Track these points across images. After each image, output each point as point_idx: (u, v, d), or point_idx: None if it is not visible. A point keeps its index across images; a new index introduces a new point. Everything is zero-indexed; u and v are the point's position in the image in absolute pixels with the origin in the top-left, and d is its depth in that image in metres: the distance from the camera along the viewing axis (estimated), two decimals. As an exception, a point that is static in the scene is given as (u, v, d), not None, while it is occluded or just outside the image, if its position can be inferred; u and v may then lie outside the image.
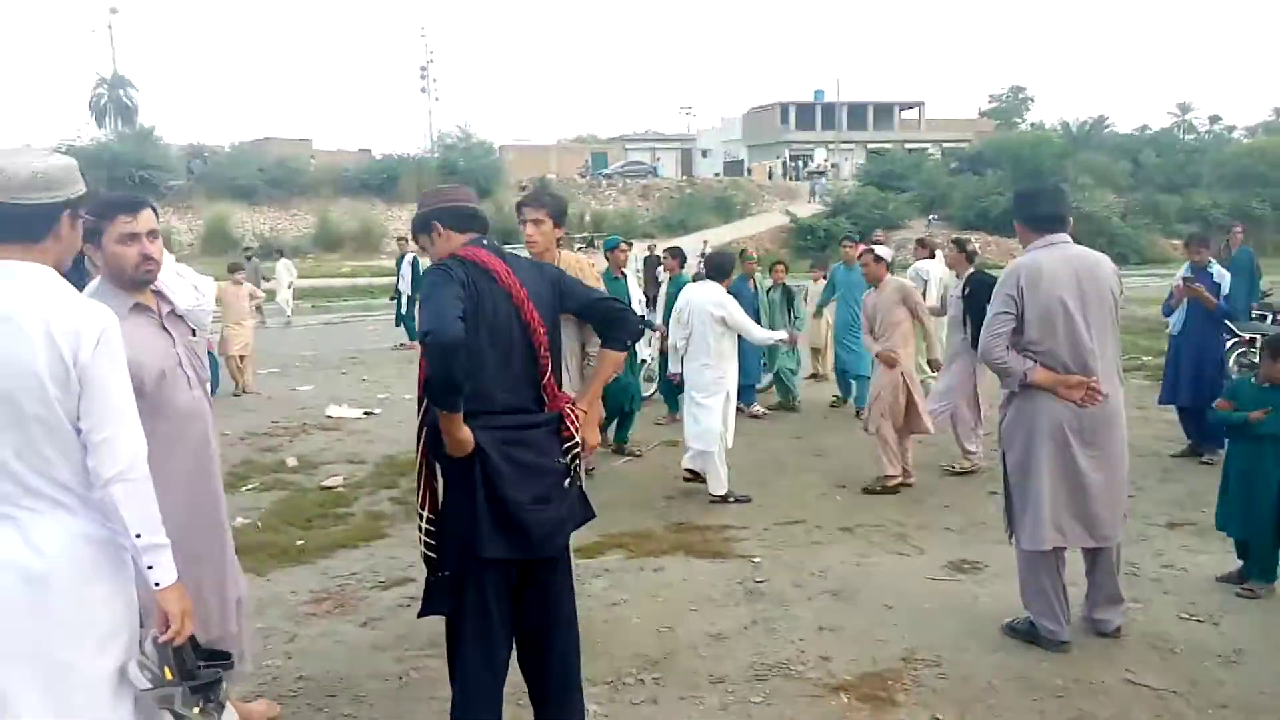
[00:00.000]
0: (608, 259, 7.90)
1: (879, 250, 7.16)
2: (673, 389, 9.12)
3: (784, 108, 61.96)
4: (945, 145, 57.29)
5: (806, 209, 45.22)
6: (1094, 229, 41.55)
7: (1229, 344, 9.50)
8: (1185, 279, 7.44)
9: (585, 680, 3.66)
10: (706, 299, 6.53)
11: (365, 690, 3.66)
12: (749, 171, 55.59)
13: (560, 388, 2.99)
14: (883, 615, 4.33)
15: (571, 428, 2.94)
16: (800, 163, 57.97)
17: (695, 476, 6.70)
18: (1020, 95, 64.04)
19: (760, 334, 6.94)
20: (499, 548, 2.79)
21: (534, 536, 2.84)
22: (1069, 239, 3.82)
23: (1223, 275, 7.60)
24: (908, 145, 56.75)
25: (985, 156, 49.56)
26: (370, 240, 41.41)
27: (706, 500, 6.60)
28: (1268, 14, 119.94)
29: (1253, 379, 4.60)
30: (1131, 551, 5.18)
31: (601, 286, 3.94)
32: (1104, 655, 3.83)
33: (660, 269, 10.11)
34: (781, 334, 7.87)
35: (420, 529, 2.92)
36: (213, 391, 9.76)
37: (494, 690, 2.92)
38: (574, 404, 3.00)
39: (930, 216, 43.52)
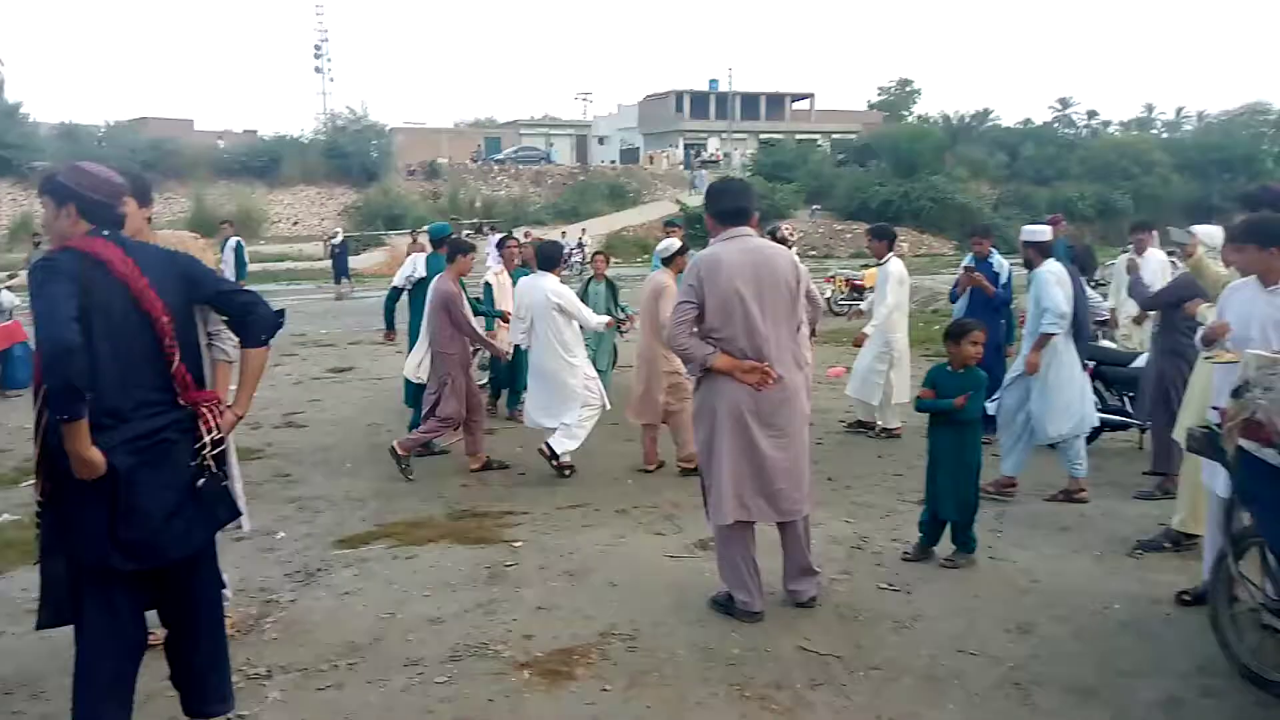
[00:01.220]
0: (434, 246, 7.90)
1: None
2: (501, 379, 9.25)
3: (679, 96, 62.32)
4: (834, 136, 58.53)
5: (697, 198, 45.66)
6: (966, 219, 43.16)
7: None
8: (967, 268, 7.87)
9: (279, 667, 3.75)
10: (543, 289, 6.72)
11: (46, 687, 3.60)
12: (651, 159, 55.82)
13: (201, 380, 3.00)
14: (604, 593, 4.48)
15: (206, 426, 2.92)
16: (693, 151, 58.53)
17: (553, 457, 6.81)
18: (908, 88, 65.76)
19: (593, 319, 7.09)
20: (127, 559, 2.78)
21: (163, 545, 2.84)
22: (751, 232, 4.02)
23: (1001, 265, 8.05)
24: (798, 136, 57.83)
25: (871, 148, 50.87)
26: (250, 225, 40.16)
27: (501, 486, 6.70)
28: (1144, 10, 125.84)
29: (948, 366, 4.89)
30: (869, 526, 5.50)
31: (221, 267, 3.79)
32: (789, 625, 4.05)
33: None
34: (605, 318, 7.99)
35: (37, 521, 2.90)
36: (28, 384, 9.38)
37: (125, 688, 2.91)
38: (217, 403, 3.00)
39: (813, 207, 44.53)
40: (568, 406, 6.81)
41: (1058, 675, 3.57)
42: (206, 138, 46.90)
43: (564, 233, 31.23)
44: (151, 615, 3.05)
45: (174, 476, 2.86)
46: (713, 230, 4.05)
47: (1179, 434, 4.50)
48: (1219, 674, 3.57)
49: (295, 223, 41.85)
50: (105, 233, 2.86)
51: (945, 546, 4.86)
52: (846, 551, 5.03)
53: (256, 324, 3.06)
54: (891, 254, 8.14)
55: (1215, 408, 3.61)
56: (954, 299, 8.21)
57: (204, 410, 2.94)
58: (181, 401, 2.90)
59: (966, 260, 8.09)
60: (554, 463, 6.74)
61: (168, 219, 38.62)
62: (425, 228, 8.37)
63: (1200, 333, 4.17)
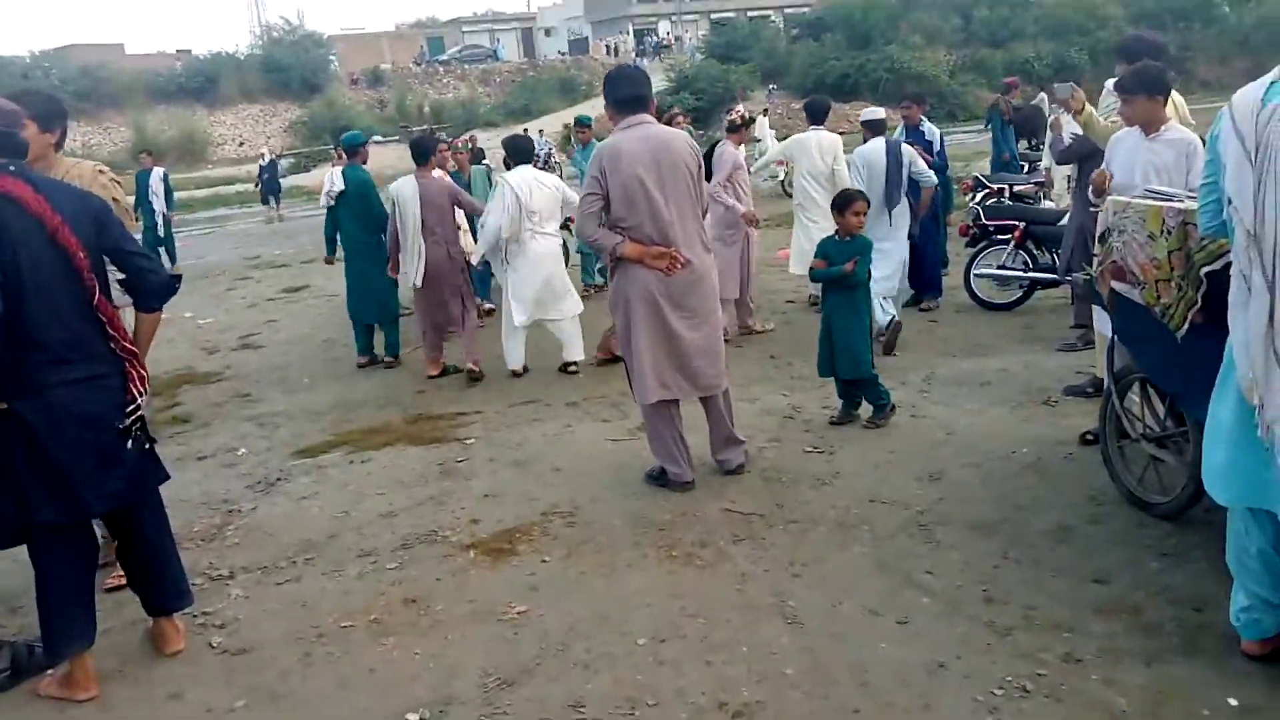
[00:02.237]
0: (354, 155, 7.64)
1: None
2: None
3: (625, -20, 60.40)
4: (787, 11, 57.17)
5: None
6: (925, 89, 42.61)
7: (980, 195, 10.21)
8: (909, 142, 7.91)
9: (241, 568, 3.99)
10: (540, 180, 6.79)
11: (23, 602, 3.81)
12: (604, 49, 54.47)
13: (120, 320, 3.06)
14: (548, 478, 4.74)
15: (135, 389, 3.04)
16: (646, 37, 57.09)
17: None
18: (858, -45, 63.96)
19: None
20: (50, 512, 2.93)
21: (89, 501, 2.98)
22: (650, 119, 4.12)
23: (933, 132, 8.13)
24: (750, 13, 56.45)
25: (825, 21, 49.76)
26: (193, 149, 39.20)
27: (455, 389, 6.89)
28: None
29: (834, 236, 5.09)
30: (803, 398, 5.76)
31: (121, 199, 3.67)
32: (718, 491, 4.33)
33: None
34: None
35: None
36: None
37: (85, 593, 3.09)
38: (138, 359, 3.09)
39: (770, 86, 43.84)
40: (571, 296, 6.91)
41: (960, 515, 3.88)
42: (139, 61, 45.23)
43: (541, 130, 30.04)
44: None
45: (100, 435, 2.97)
46: (612, 119, 4.15)
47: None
48: (1108, 502, 3.88)
49: (241, 143, 40.81)
50: (11, 167, 2.90)
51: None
52: (779, 421, 5.30)
53: (150, 289, 3.13)
54: (818, 128, 8.15)
55: (1092, 254, 3.83)
56: None
57: (132, 370, 3.05)
58: (113, 346, 3.00)
59: (898, 132, 8.15)
60: (572, 369, 6.93)
61: (109, 149, 37.59)
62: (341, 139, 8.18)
63: (1089, 184, 4.36)
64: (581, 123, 10.40)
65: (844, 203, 5.03)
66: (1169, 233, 3.05)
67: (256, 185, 23.18)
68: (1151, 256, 3.12)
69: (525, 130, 22.79)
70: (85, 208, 3.01)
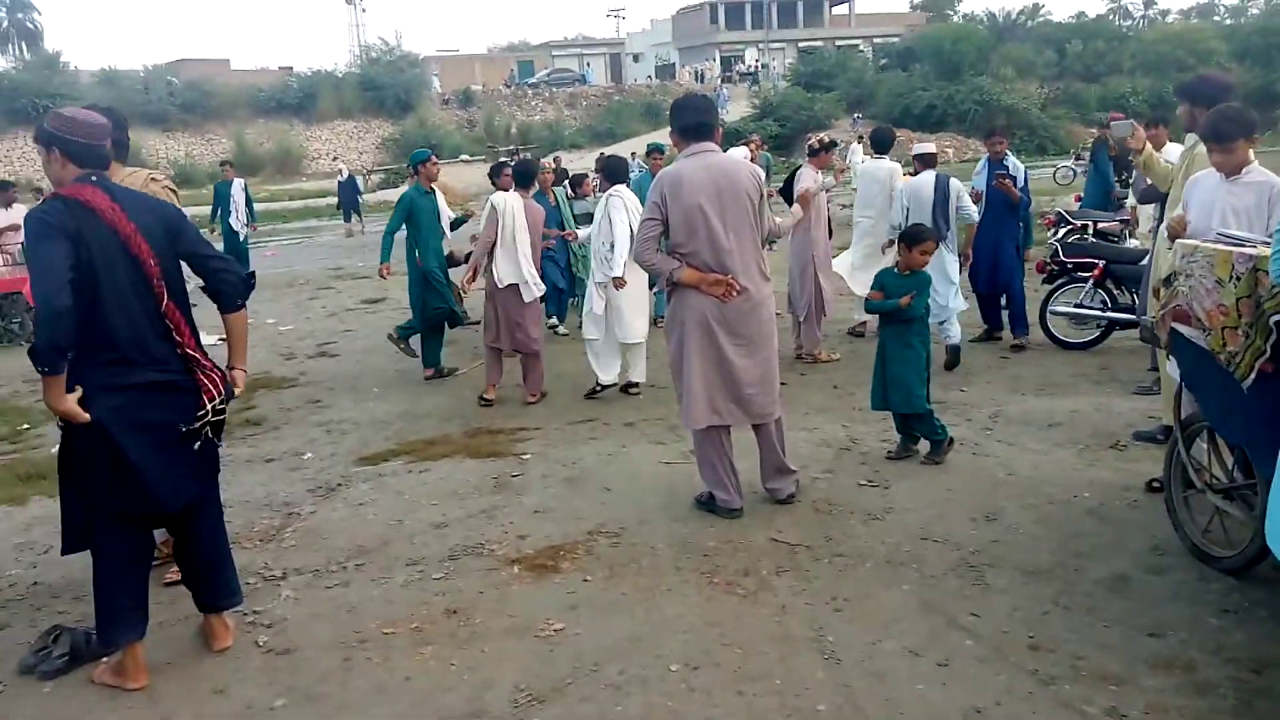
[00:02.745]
0: (419, 172, 7.76)
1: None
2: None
3: (713, 7, 60.89)
4: (876, 41, 56.88)
5: (735, 111, 44.95)
6: (1014, 121, 41.91)
7: (1063, 231, 9.97)
8: (999, 175, 7.69)
9: (294, 570, 4.10)
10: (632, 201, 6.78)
11: (87, 591, 3.97)
12: (687, 74, 54.89)
13: (190, 326, 3.16)
14: (598, 497, 4.76)
15: (208, 394, 3.16)
16: (732, 62, 57.35)
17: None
18: (951, -15, 63.40)
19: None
20: (122, 504, 3.07)
21: (160, 497, 3.11)
22: (714, 148, 4.15)
23: (1018, 168, 7.89)
24: (838, 42, 56.31)
25: (914, 51, 49.35)
26: (289, 162, 40.68)
27: (518, 405, 6.96)
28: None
29: (895, 269, 5.01)
30: (863, 430, 5.68)
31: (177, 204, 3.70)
32: (766, 520, 4.29)
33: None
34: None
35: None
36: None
37: (139, 589, 3.21)
38: (220, 369, 3.23)
39: (855, 115, 43.54)
40: (643, 318, 6.90)
41: (1013, 558, 3.77)
42: (244, 77, 47.22)
43: (633, 153, 30.27)
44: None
45: (169, 437, 3.10)
46: (676, 146, 4.19)
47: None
48: (1170, 553, 3.73)
49: (334, 158, 42.16)
50: (93, 178, 3.06)
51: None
52: (835, 453, 5.24)
53: (228, 289, 3.25)
54: (881, 157, 8.24)
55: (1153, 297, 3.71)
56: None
57: (204, 379, 3.16)
58: (180, 351, 3.12)
59: (980, 164, 7.98)
60: (634, 390, 6.95)
61: (210, 159, 39.25)
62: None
63: (1163, 227, 4.23)
64: (654, 149, 10.45)
65: (914, 239, 4.96)
66: (1238, 279, 2.94)
67: (338, 204, 23.76)
68: (1219, 303, 3.01)
69: (603, 154, 22.79)
70: (159, 217, 3.16)
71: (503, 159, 12.30)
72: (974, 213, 7.38)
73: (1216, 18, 60.47)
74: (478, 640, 3.38)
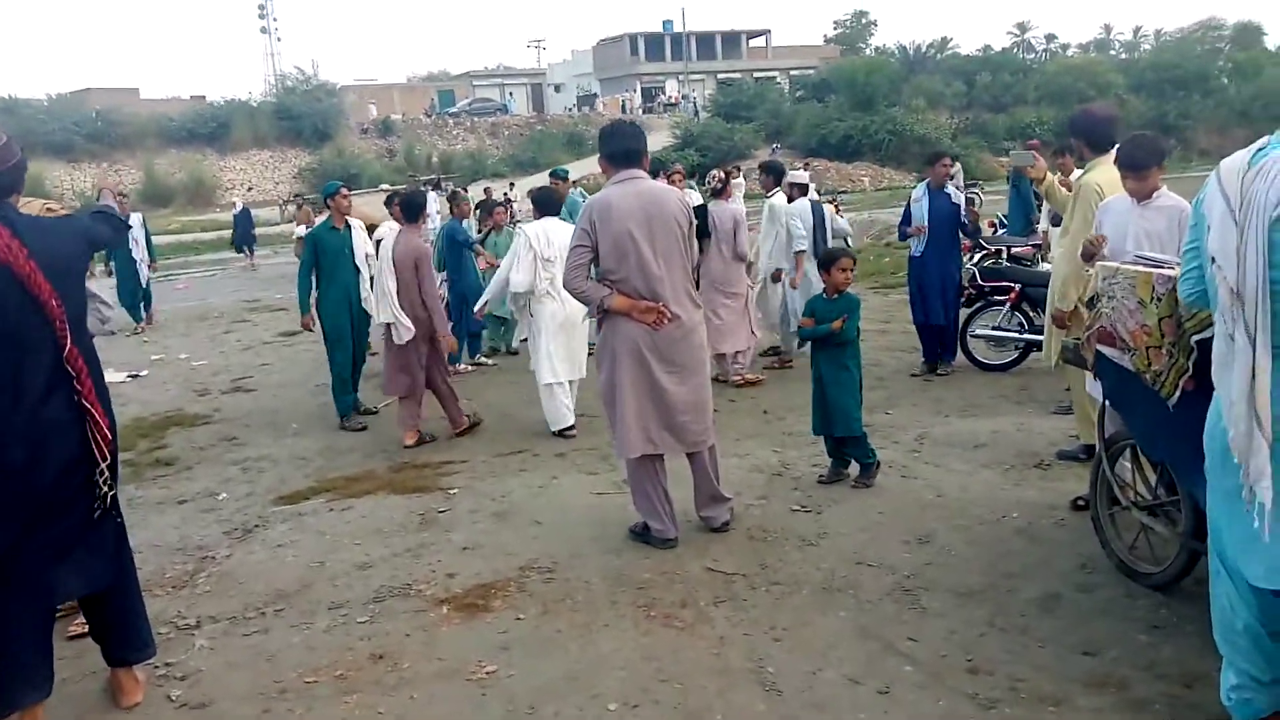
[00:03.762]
0: (328, 206, 7.31)
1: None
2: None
3: (633, 39, 61.57)
4: (792, 73, 58.16)
5: (656, 141, 45.37)
6: (925, 150, 43.13)
7: (979, 256, 10.21)
8: (969, 199, 7.80)
9: (209, 617, 3.89)
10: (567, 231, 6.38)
11: None
12: (603, 106, 55.26)
13: (95, 365, 2.93)
14: (529, 530, 4.65)
15: (100, 453, 2.90)
16: (652, 93, 57.99)
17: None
18: (864, 20, 65.32)
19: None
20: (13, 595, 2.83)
21: (57, 585, 2.90)
22: (642, 175, 4.12)
23: (958, 196, 7.89)
24: (756, 74, 57.42)
25: (829, 83, 50.58)
26: (202, 193, 39.58)
27: (445, 439, 6.77)
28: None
29: (823, 294, 5.05)
30: (794, 454, 5.68)
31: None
32: (701, 548, 4.23)
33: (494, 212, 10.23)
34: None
35: None
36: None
37: (43, 649, 2.97)
38: (102, 419, 2.92)
39: (774, 145, 44.32)
40: (583, 357, 6.62)
41: (946, 580, 3.78)
42: (154, 106, 45.93)
43: (511, 184, 30.15)
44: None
45: (57, 507, 2.87)
46: (605, 172, 4.14)
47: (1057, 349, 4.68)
48: (1098, 570, 3.78)
49: (250, 188, 41.24)
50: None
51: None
52: (767, 479, 5.22)
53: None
54: (777, 189, 8.40)
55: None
56: (904, 236, 8.22)
57: (96, 436, 2.90)
58: (78, 398, 2.87)
59: (918, 191, 7.87)
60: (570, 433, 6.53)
61: (118, 190, 37.95)
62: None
63: (1079, 248, 4.33)
64: (557, 175, 10.40)
65: (829, 260, 5.01)
66: (1159, 299, 3.00)
67: (232, 237, 22.38)
68: (1142, 323, 3.07)
69: (511, 186, 22.11)
70: (66, 237, 2.96)
71: (395, 190, 11.98)
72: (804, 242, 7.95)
73: (1112, 51, 63.48)
74: (405, 686, 3.24)
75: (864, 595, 3.69)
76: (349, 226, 7.24)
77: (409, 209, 6.79)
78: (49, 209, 3.61)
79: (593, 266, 4.06)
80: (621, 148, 4.11)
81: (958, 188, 8.41)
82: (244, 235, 21.77)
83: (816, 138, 43.82)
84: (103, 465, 2.93)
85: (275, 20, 64.99)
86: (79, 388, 2.87)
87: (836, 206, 19.45)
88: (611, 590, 3.87)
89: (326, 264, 7.11)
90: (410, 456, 6.40)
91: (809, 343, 8.00)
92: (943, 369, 7.72)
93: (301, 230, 19.16)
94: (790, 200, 8.21)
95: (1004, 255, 10.10)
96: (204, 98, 48.77)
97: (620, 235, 3.95)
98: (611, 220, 3.96)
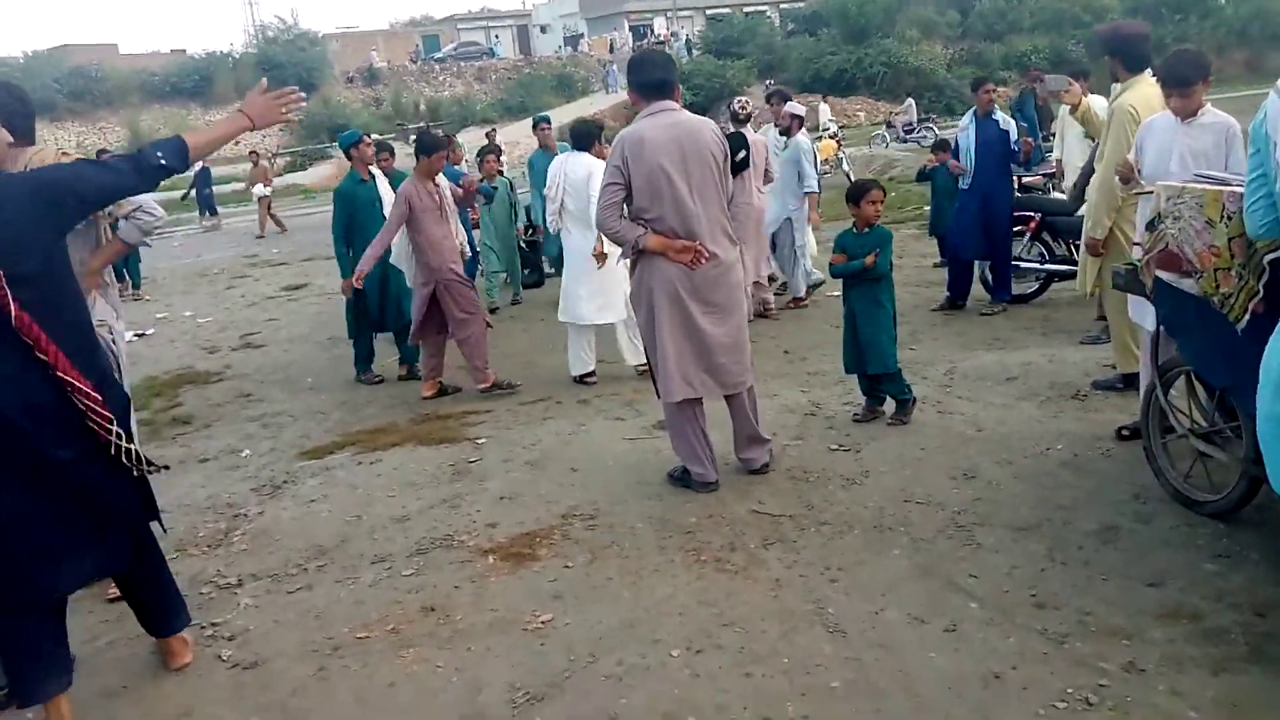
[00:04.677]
0: (352, 157, 6.93)
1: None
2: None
3: (620, -24, 60.12)
4: (783, 6, 56.96)
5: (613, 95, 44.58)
6: (922, 82, 42.49)
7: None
8: (1021, 127, 7.29)
9: (250, 575, 3.83)
10: (588, 166, 6.12)
11: None
12: (589, 47, 54.22)
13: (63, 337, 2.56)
14: (565, 478, 4.58)
15: (97, 418, 2.58)
16: (642, 33, 56.91)
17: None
18: (854, -50, 63.78)
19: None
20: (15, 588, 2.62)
21: (44, 581, 2.64)
22: (675, 106, 3.95)
23: (1008, 123, 7.39)
24: (746, 9, 56.25)
25: (820, 16, 49.58)
26: (189, 148, 38.90)
27: (464, 391, 6.68)
28: None
29: (852, 229, 4.91)
30: (822, 394, 5.61)
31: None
32: (743, 491, 4.17)
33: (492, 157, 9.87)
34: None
35: None
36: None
37: (57, 638, 2.80)
38: (83, 385, 2.56)
39: (767, 82, 43.59)
40: (623, 296, 5.98)
41: (999, 515, 3.72)
42: (134, 60, 44.94)
43: (494, 128, 28.85)
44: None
45: (44, 488, 2.58)
46: (635, 104, 3.98)
47: (1106, 274, 4.58)
48: (1153, 500, 3.72)
49: (237, 142, 40.51)
50: None
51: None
52: (800, 419, 5.14)
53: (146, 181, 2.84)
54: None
55: (1136, 243, 3.67)
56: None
57: (86, 403, 2.56)
58: (43, 371, 2.51)
59: (966, 119, 7.46)
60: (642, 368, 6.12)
61: (103, 147, 37.33)
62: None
63: (1115, 172, 4.20)
64: (541, 120, 10.11)
65: (858, 193, 4.85)
66: (1229, 218, 2.89)
67: (184, 197, 21.21)
68: (1210, 244, 2.96)
69: (495, 129, 21.07)
70: (18, 201, 2.54)
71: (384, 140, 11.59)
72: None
73: (1106, -25, 62.24)
74: (461, 638, 3.19)
75: (917, 533, 3.63)
76: (373, 177, 6.99)
77: (425, 147, 6.40)
78: (64, 154, 3.45)
79: (626, 205, 3.92)
80: (652, 78, 3.93)
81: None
82: (203, 197, 20.71)
83: (810, 72, 43.09)
84: (106, 425, 2.61)
85: (252, -32, 63.31)
86: (43, 357, 2.50)
87: (839, 143, 19.32)
88: (658, 535, 3.81)
89: (360, 219, 6.76)
90: (432, 407, 6.32)
91: (819, 284, 8.12)
92: (992, 308, 7.37)
93: (260, 189, 18.74)
94: (787, 134, 8.03)
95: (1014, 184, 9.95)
96: (184, 51, 47.74)
97: (653, 171, 3.81)
98: (644, 155, 3.81)
